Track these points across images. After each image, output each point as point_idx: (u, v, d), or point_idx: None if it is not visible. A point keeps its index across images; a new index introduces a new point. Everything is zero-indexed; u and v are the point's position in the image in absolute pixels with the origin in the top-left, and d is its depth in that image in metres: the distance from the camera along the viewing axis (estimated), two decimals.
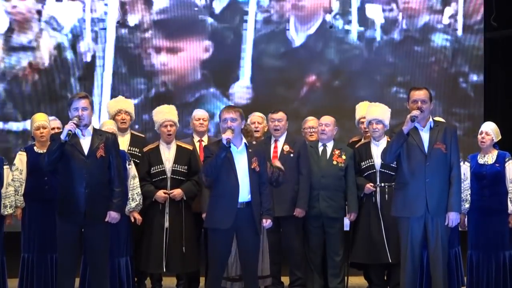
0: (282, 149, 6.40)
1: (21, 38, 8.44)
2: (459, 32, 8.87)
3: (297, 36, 8.91)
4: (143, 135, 6.94)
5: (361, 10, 8.87)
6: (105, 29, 8.56)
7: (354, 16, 8.89)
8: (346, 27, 8.84)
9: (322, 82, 8.85)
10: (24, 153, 6.23)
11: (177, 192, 6.24)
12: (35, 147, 6.23)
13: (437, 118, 5.72)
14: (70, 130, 5.14)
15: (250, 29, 8.81)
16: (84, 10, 8.48)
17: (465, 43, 8.87)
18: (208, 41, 8.69)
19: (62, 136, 5.14)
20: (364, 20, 8.87)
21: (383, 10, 8.90)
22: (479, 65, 8.83)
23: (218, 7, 8.74)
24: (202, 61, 8.69)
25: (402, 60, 8.86)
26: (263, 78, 8.76)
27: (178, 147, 6.37)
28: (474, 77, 8.85)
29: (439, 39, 8.90)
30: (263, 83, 8.76)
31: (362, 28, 8.88)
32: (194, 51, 8.70)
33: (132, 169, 6.06)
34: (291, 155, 6.36)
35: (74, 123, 5.20)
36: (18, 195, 6.13)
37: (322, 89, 8.84)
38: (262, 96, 8.61)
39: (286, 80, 8.78)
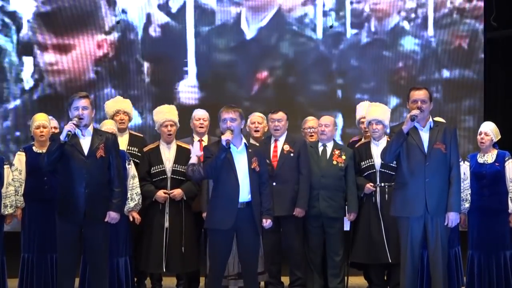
0: (282, 149, 6.40)
1: None
2: (430, 33, 8.64)
3: (249, 29, 8.54)
4: (141, 135, 6.94)
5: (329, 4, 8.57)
6: None
7: (319, 10, 8.54)
8: (306, 20, 8.48)
9: (275, 78, 8.55)
10: (23, 153, 6.23)
11: (177, 192, 6.24)
12: (33, 147, 6.23)
13: (437, 118, 5.72)
14: (69, 131, 5.14)
15: (189, 21, 8.40)
16: None
17: (434, 45, 8.62)
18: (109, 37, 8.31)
19: (62, 137, 5.14)
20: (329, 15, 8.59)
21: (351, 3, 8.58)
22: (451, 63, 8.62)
23: None
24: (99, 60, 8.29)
25: (367, 63, 8.60)
26: (211, 75, 8.45)
27: (178, 147, 6.38)
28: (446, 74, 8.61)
29: (408, 43, 8.60)
30: (211, 80, 8.46)
31: (328, 23, 8.58)
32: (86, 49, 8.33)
33: (131, 169, 6.06)
34: (291, 155, 6.36)
35: (73, 123, 5.20)
36: (18, 195, 6.13)
37: (274, 85, 8.53)
38: (210, 95, 8.28)
39: (237, 77, 8.47)
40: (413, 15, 8.71)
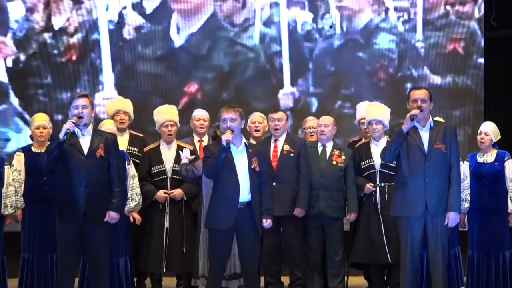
0: (282, 149, 6.40)
1: None
2: (401, 28, 8.18)
3: (178, 36, 7.76)
4: (142, 135, 6.95)
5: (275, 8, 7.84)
6: None
7: (258, 15, 7.77)
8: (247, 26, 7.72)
9: (205, 92, 7.78)
10: (22, 154, 6.22)
11: (178, 192, 6.25)
12: (32, 147, 6.23)
13: (437, 118, 5.72)
14: (68, 129, 5.13)
15: (103, 28, 7.67)
16: None
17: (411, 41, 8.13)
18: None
19: (61, 135, 5.14)
20: (270, 22, 7.86)
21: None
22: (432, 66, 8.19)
23: None
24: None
25: (343, 67, 8.04)
26: (132, 87, 7.71)
27: (178, 147, 6.38)
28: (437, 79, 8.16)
29: (384, 41, 8.03)
30: (134, 93, 7.57)
31: (266, 29, 7.83)
32: None
33: (131, 169, 6.06)
34: (291, 154, 6.36)
35: (72, 122, 5.20)
36: (18, 195, 6.13)
37: (204, 101, 7.68)
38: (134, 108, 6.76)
39: (162, 89, 7.67)
40: (404, 17, 8.27)
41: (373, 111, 6.41)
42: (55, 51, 7.99)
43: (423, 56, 8.32)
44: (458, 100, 8.37)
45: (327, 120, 6.56)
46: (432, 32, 8.39)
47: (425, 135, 5.41)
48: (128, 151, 6.40)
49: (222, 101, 7.57)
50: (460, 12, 8.40)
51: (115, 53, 7.91)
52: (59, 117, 7.77)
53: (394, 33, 8.24)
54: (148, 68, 7.77)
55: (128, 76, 7.76)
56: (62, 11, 7.95)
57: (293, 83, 8.20)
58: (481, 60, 8.48)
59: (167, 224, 6.25)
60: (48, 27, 7.98)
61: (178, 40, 7.76)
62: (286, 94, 8.16)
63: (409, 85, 8.02)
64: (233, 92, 7.96)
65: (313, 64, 8.19)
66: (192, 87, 7.79)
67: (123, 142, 6.43)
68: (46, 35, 8.00)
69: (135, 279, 6.43)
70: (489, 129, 6.28)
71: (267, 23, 8.01)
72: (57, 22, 7.97)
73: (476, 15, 8.47)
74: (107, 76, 7.74)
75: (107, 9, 7.79)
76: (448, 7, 8.40)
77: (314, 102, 8.25)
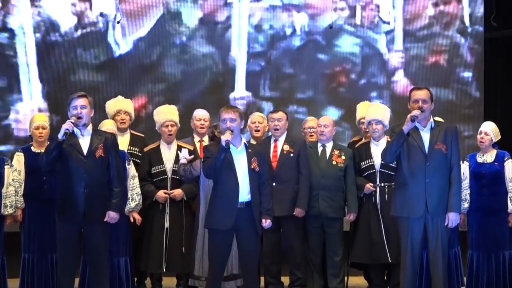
0: (282, 149, 6.40)
1: None
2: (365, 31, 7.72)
3: (123, 41, 6.83)
4: (143, 135, 6.94)
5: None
6: None
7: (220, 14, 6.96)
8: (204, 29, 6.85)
9: (155, 106, 6.76)
10: (22, 154, 6.22)
11: (178, 192, 6.24)
12: (32, 147, 6.22)
13: (437, 118, 5.72)
14: (67, 129, 5.12)
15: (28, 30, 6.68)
16: None
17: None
18: None
19: (59, 135, 5.13)
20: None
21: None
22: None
23: None
24: None
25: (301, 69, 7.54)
26: (66, 98, 6.36)
27: (178, 147, 6.37)
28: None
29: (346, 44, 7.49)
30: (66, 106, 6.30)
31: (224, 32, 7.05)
32: None
33: (131, 169, 6.06)
34: (291, 155, 6.36)
35: (71, 122, 5.19)
36: (17, 195, 6.13)
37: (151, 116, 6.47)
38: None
39: (102, 103, 6.57)
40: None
41: (373, 111, 6.41)
42: None
43: (391, 63, 7.89)
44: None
45: (327, 120, 6.57)
46: (413, 43, 8.07)
47: (425, 136, 5.40)
48: (129, 151, 6.40)
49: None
50: (443, 19, 8.10)
51: (45, 58, 6.96)
52: None
53: (358, 35, 7.76)
54: (85, 77, 6.87)
55: (59, 86, 6.89)
56: None
57: (248, 86, 7.67)
58: (468, 74, 8.22)
59: (167, 224, 6.25)
60: None
61: (122, 45, 6.90)
62: (239, 98, 7.63)
63: (374, 94, 7.68)
64: (185, 105, 7.20)
65: (270, 66, 7.66)
66: (139, 100, 6.90)
67: (124, 142, 6.43)
68: None
69: (135, 279, 6.43)
70: (489, 129, 6.28)
71: (224, 24, 7.28)
72: None
73: (466, 20, 8.27)
74: (35, 85, 6.81)
75: (34, 5, 6.77)
76: (429, 12, 8.11)
77: (266, 107, 7.79)
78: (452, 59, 8.25)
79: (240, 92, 7.53)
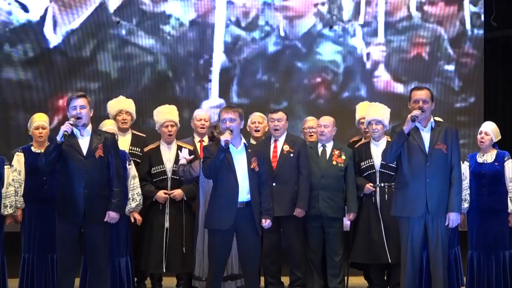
0: (282, 149, 6.40)
1: None
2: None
3: (55, 33, 6.04)
4: (144, 135, 6.94)
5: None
6: None
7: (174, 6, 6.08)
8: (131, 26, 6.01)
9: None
10: (22, 154, 6.21)
11: (178, 192, 6.24)
12: (32, 147, 6.22)
13: (437, 118, 5.72)
14: (66, 131, 5.12)
15: None
16: None
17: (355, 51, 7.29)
18: None
19: (58, 137, 5.14)
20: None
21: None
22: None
23: None
24: None
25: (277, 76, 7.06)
26: None
27: (179, 147, 6.37)
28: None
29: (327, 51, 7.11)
30: None
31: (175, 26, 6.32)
32: None
33: (132, 169, 6.05)
34: (291, 155, 6.36)
35: (69, 123, 5.19)
36: (17, 195, 6.13)
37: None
38: None
39: (31, 103, 5.95)
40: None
41: (373, 111, 6.41)
42: None
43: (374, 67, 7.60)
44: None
45: (326, 120, 6.57)
46: (395, 36, 7.81)
47: (426, 136, 5.40)
48: (130, 151, 6.41)
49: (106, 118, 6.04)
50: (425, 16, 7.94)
51: None
52: None
53: (340, 43, 7.40)
54: (11, 74, 6.20)
55: None
56: None
57: (216, 93, 7.20)
58: (450, 67, 8.09)
59: (167, 224, 6.25)
60: None
61: (54, 38, 6.11)
62: (211, 108, 7.22)
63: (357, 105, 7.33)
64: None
65: (240, 72, 7.06)
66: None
67: (125, 142, 6.43)
68: None
69: (135, 279, 6.43)
70: (489, 129, 6.28)
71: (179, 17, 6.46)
72: None
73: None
74: None
75: None
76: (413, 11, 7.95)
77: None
78: (433, 53, 8.18)
79: (213, 101, 7.20)
